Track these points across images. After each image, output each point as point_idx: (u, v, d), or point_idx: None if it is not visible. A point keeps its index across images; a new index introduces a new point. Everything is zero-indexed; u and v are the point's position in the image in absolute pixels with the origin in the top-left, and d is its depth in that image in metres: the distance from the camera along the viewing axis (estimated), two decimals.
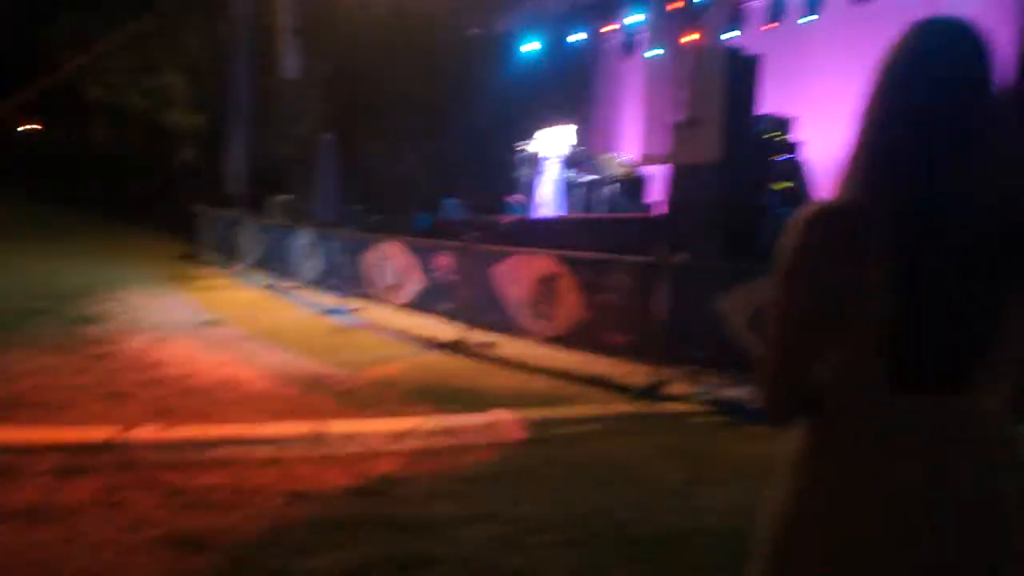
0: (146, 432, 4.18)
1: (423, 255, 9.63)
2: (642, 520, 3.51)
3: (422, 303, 9.54)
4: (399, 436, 4.53)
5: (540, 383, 6.39)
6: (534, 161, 12.55)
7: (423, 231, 12.17)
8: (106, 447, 3.93)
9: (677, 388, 6.01)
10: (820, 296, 1.19)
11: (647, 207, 11.13)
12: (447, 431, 4.73)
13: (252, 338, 7.81)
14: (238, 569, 2.88)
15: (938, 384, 1.17)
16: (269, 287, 11.93)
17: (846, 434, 1.22)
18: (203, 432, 4.27)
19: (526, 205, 12.81)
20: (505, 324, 8.24)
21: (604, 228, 10.15)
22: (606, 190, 11.55)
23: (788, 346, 1.24)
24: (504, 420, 5.03)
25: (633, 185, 11.61)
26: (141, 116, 18.36)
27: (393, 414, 4.98)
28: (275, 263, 12.80)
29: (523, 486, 3.97)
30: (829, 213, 1.22)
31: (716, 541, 3.23)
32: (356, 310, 9.74)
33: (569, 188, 12.05)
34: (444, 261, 9.24)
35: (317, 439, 4.33)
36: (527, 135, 12.74)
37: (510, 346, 7.70)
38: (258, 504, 3.46)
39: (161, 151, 19.09)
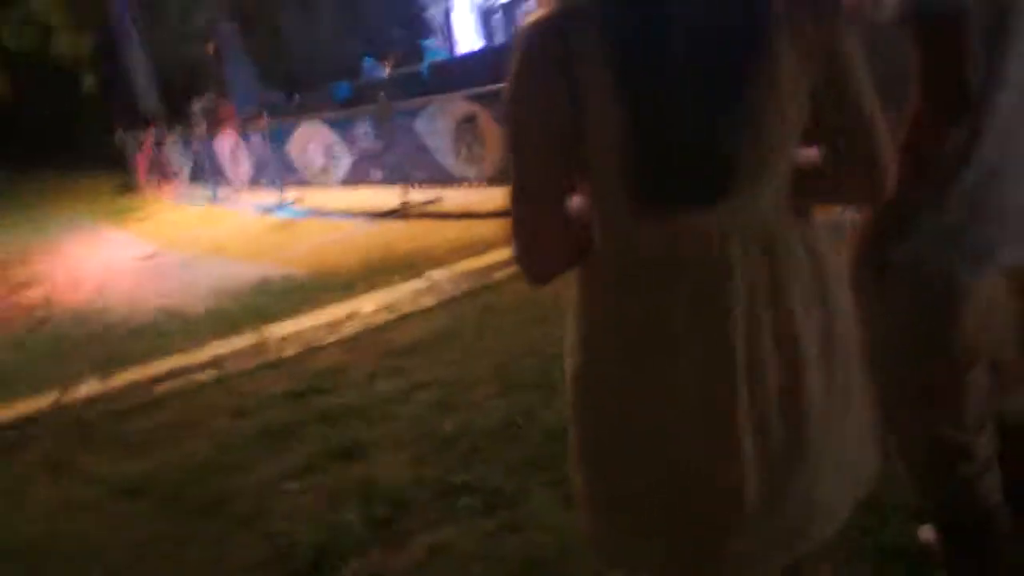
0: (87, 388, 4.29)
1: (345, 128, 9.05)
2: None
3: (355, 177, 9.20)
4: (337, 325, 4.59)
5: (483, 228, 6.12)
6: None
7: (343, 101, 11.29)
8: (51, 412, 4.07)
9: None
10: (550, 115, 1.03)
11: None
12: (386, 307, 4.74)
13: (195, 260, 7.93)
14: (177, 502, 3.03)
15: (688, 200, 1.01)
16: (210, 200, 11.69)
17: (607, 274, 1.10)
18: (144, 373, 4.37)
19: (443, 45, 11.84)
20: (442, 177, 7.96)
21: None
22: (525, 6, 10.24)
23: (531, 182, 1.08)
24: (441, 279, 5.01)
25: None
26: (24, 57, 16.76)
27: (338, 300, 5.05)
28: (209, 173, 12.18)
29: (460, 344, 4.00)
30: (550, 18, 1.02)
31: None
32: (295, 201, 9.40)
33: (485, 16, 10.96)
34: (364, 128, 8.70)
35: (257, 349, 4.51)
36: None
37: (453, 198, 7.47)
38: (200, 431, 3.67)
39: (60, 88, 17.39)
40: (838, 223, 1.35)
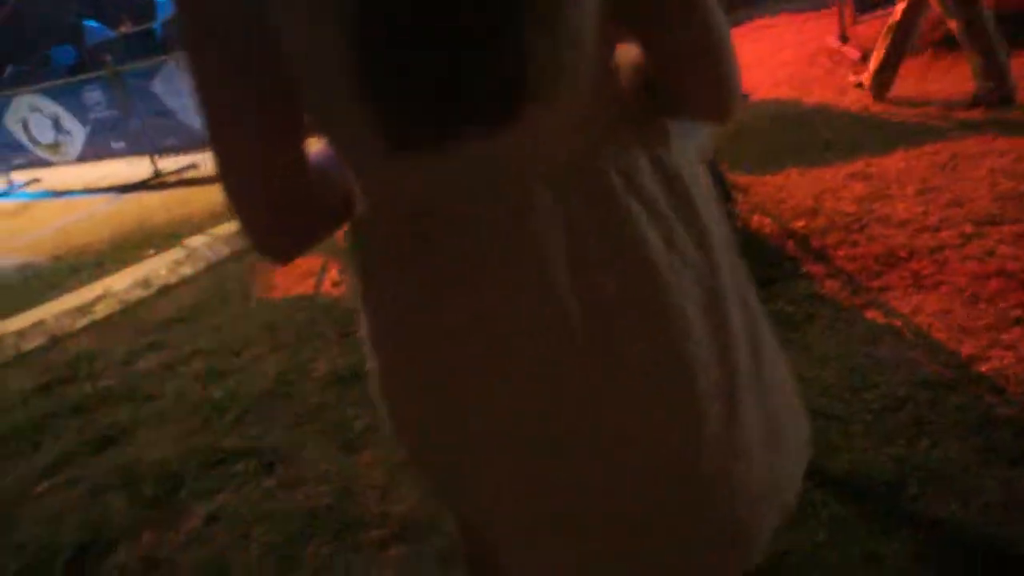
0: None
1: (71, 98, 8.20)
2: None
3: (94, 150, 8.58)
4: (86, 309, 4.24)
5: None
6: None
7: (68, 68, 10.18)
8: None
9: None
10: (243, 69, 0.73)
11: None
12: (142, 282, 4.44)
13: None
14: None
15: (459, 125, 0.72)
16: None
17: (374, 247, 0.83)
18: None
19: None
20: (194, 141, 7.53)
21: None
22: None
23: (239, 146, 0.78)
24: (200, 246, 4.79)
25: None
26: None
27: (87, 283, 4.66)
28: None
29: (226, 310, 3.82)
30: None
31: None
32: (27, 183, 8.46)
33: None
34: (95, 97, 8.06)
35: None
36: None
37: (210, 161, 7.23)
38: None
39: None
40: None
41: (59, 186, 8.27)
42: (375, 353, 0.86)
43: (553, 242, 0.74)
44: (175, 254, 4.67)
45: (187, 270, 4.41)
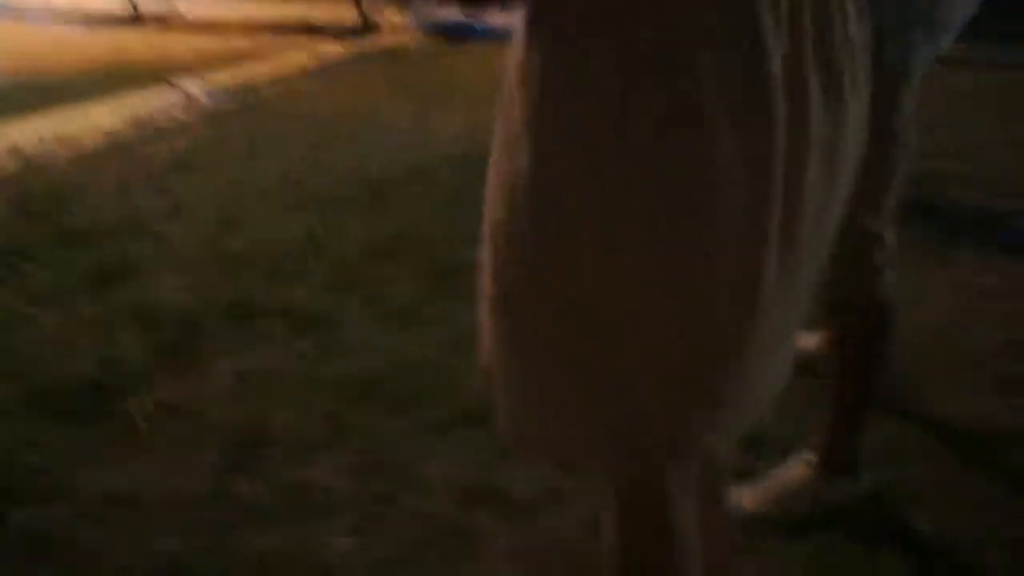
0: None
1: None
2: (377, 163, 3.38)
3: None
4: (70, 140, 3.83)
5: (239, 42, 5.73)
6: None
7: None
8: None
9: (390, 19, 5.84)
10: None
11: None
12: (131, 121, 4.07)
13: None
14: None
15: None
16: None
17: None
18: None
19: None
20: None
21: None
22: None
23: None
24: (197, 92, 4.46)
25: None
26: None
27: (65, 111, 4.23)
28: None
29: (232, 160, 3.56)
30: None
31: (455, 168, 3.13)
32: None
33: None
34: None
35: None
36: None
37: (198, 5, 6.81)
38: None
39: None
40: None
41: (17, 4, 7.54)
42: (528, 144, 0.76)
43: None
44: (167, 96, 4.30)
45: (182, 115, 4.07)
